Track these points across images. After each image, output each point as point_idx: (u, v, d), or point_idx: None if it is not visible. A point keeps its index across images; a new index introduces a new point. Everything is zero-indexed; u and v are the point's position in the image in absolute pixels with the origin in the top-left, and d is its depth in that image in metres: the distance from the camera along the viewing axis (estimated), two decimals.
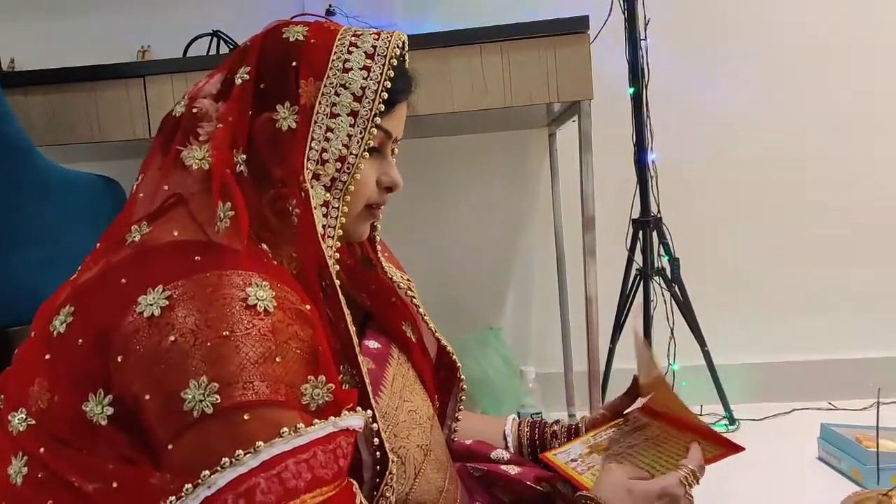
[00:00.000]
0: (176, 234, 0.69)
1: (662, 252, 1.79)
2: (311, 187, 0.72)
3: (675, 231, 1.81)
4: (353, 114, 0.75)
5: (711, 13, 2.01)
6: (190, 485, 0.57)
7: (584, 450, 0.92)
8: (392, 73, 0.76)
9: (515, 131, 2.09)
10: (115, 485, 0.60)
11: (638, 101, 1.77)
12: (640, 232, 1.79)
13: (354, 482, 0.65)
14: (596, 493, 0.78)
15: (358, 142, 0.75)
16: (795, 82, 2.00)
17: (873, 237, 2.01)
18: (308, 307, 0.68)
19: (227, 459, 0.58)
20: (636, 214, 1.81)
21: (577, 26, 1.52)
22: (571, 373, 2.02)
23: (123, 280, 0.66)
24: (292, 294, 0.67)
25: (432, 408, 0.88)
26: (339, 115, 0.74)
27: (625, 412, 0.98)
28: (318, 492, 0.59)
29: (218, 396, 0.59)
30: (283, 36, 0.76)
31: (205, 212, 0.70)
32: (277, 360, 0.62)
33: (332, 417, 0.63)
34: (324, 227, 0.74)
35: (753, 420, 1.82)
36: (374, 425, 0.69)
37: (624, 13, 1.77)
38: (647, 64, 1.79)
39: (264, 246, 0.74)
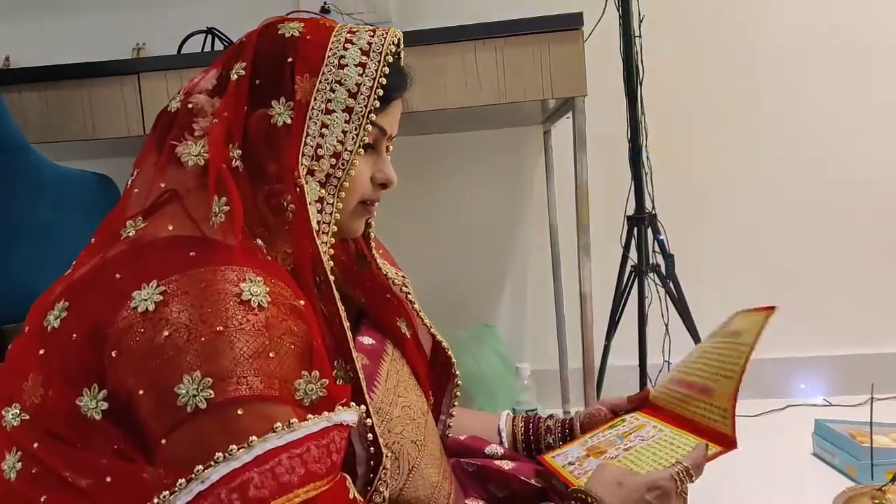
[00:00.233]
0: (171, 228, 0.70)
1: (657, 249, 1.80)
2: (306, 183, 0.73)
3: (670, 228, 1.82)
4: (349, 110, 0.75)
5: (706, 9, 2.02)
6: (183, 479, 0.57)
7: (581, 452, 0.92)
8: (387, 70, 0.77)
9: (511, 129, 2.10)
10: (108, 479, 0.60)
11: (632, 98, 1.77)
12: (635, 229, 1.79)
13: (348, 477, 0.65)
14: (587, 487, 0.79)
15: (353, 138, 0.75)
16: (792, 78, 2.01)
17: (868, 235, 2.01)
18: (302, 302, 0.68)
19: (220, 454, 0.58)
20: (631, 211, 1.81)
21: (570, 23, 1.52)
22: (567, 369, 2.02)
23: (118, 275, 0.66)
24: (286, 289, 0.67)
25: (427, 403, 0.88)
26: (334, 111, 0.75)
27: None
28: (312, 486, 0.60)
29: (212, 391, 0.59)
30: (279, 32, 0.77)
31: (200, 207, 0.70)
32: (271, 355, 0.62)
33: (325, 412, 0.63)
34: (318, 222, 0.74)
35: (748, 416, 1.83)
36: (368, 420, 0.69)
37: (618, 10, 1.77)
38: (642, 61, 1.79)
39: (259, 241, 0.74)
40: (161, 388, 0.60)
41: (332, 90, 0.75)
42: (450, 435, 0.97)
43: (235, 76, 0.74)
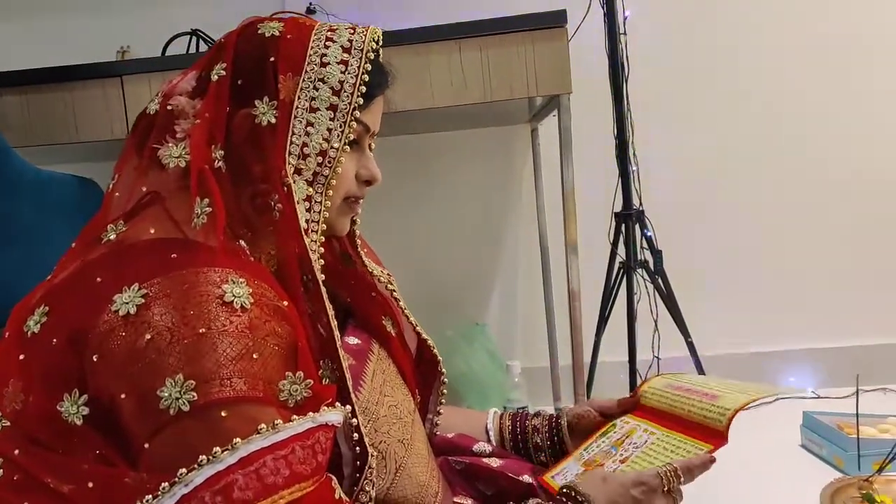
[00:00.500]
0: (153, 231, 0.69)
1: (645, 245, 1.80)
2: (294, 182, 0.72)
3: (658, 224, 1.82)
4: (333, 108, 0.75)
5: (690, 5, 2.02)
6: (167, 483, 0.57)
7: (578, 468, 0.92)
8: (369, 67, 0.77)
9: (498, 127, 2.10)
10: (90, 485, 0.59)
11: (618, 96, 1.78)
12: (623, 225, 1.79)
13: (333, 477, 0.65)
14: (572, 483, 0.79)
15: (338, 135, 0.75)
16: (779, 73, 2.02)
17: (856, 229, 2.02)
18: (286, 303, 0.68)
19: (204, 457, 0.58)
20: (619, 208, 1.81)
21: (554, 20, 1.52)
22: (557, 367, 2.03)
23: (99, 279, 0.65)
24: (269, 290, 0.67)
25: (413, 402, 0.88)
26: (318, 109, 0.74)
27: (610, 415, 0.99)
28: (297, 487, 0.59)
29: (195, 394, 0.59)
30: (259, 32, 0.76)
31: (182, 209, 0.70)
32: (255, 356, 0.62)
33: (310, 413, 0.63)
34: (307, 221, 0.74)
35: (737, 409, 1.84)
36: (354, 420, 0.68)
37: (603, 7, 1.77)
38: (627, 58, 1.80)
39: (242, 243, 0.74)
40: (143, 392, 0.60)
41: (316, 88, 0.75)
42: (437, 433, 0.97)
43: (216, 77, 0.74)
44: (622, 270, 1.80)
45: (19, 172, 1.31)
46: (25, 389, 0.64)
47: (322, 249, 0.75)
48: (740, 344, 2.02)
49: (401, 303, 0.93)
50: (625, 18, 1.79)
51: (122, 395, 0.60)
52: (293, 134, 0.73)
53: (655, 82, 1.97)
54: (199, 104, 0.74)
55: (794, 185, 2.04)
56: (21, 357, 0.65)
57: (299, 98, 0.74)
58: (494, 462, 0.91)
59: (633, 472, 0.80)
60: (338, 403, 0.66)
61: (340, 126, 0.75)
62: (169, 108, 0.75)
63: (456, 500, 0.87)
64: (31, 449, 0.62)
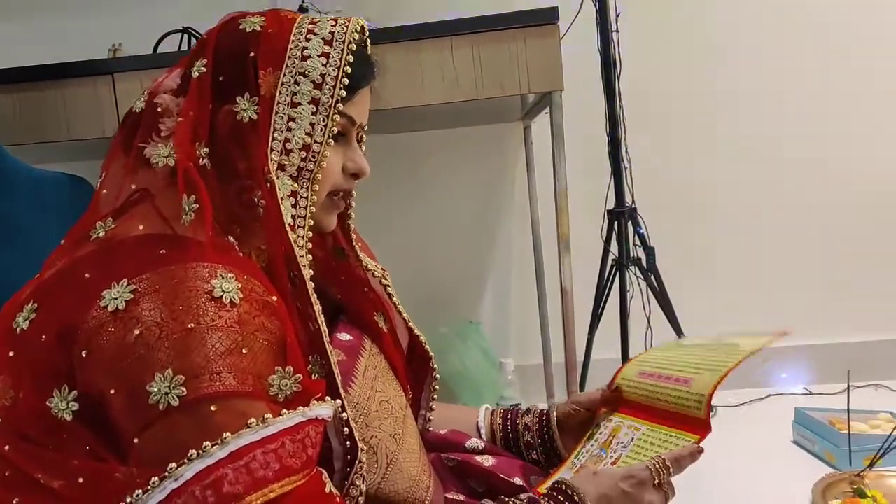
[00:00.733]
0: (141, 227, 0.69)
1: (638, 242, 1.81)
2: (277, 178, 0.72)
3: (650, 221, 1.83)
4: (315, 101, 0.74)
5: (683, 2, 2.03)
6: (156, 478, 0.57)
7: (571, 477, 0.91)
8: (351, 59, 0.76)
9: (491, 125, 2.10)
10: (80, 480, 0.59)
11: (611, 93, 1.78)
12: (616, 222, 1.80)
13: (323, 471, 0.65)
14: (562, 478, 0.80)
15: (321, 129, 0.74)
16: (772, 70, 2.02)
17: (846, 226, 2.03)
18: (275, 298, 0.68)
19: (194, 451, 0.58)
20: (611, 205, 1.82)
21: (546, 18, 1.52)
22: (551, 364, 2.03)
23: (87, 275, 0.65)
24: (258, 285, 0.67)
25: (405, 398, 0.88)
26: (300, 103, 0.74)
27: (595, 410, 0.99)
28: (287, 481, 0.59)
29: (184, 388, 0.59)
30: (240, 27, 0.76)
31: (171, 206, 0.70)
32: (244, 351, 0.62)
33: (300, 407, 0.63)
34: (293, 217, 0.73)
35: (730, 406, 1.84)
36: (344, 415, 0.68)
37: (595, 5, 1.77)
38: (620, 55, 1.80)
39: (231, 238, 0.74)
40: (133, 387, 0.59)
41: (297, 83, 0.74)
42: (430, 429, 0.97)
43: (197, 74, 0.74)
44: (615, 268, 1.81)
45: (15, 171, 1.30)
46: (15, 386, 0.64)
47: (311, 245, 0.74)
48: None
49: (394, 298, 0.93)
50: (617, 15, 1.79)
51: (112, 391, 0.60)
52: (275, 130, 0.73)
53: (648, 79, 1.97)
54: (183, 102, 0.74)
55: (787, 182, 2.04)
56: (10, 353, 0.65)
57: (280, 93, 0.73)
58: (487, 460, 0.91)
59: (623, 466, 0.81)
60: (328, 398, 0.66)
61: (323, 120, 0.74)
62: (155, 106, 0.75)
63: (448, 496, 0.87)
64: (21, 445, 0.62)
